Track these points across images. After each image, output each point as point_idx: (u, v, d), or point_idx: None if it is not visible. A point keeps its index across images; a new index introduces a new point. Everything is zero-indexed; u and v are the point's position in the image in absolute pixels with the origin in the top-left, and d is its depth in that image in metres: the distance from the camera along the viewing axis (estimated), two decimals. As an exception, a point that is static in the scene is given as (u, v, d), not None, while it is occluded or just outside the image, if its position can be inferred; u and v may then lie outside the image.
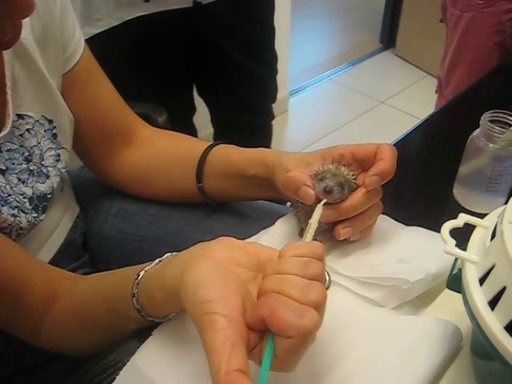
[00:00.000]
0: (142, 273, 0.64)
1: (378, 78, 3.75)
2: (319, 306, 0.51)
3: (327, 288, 0.74)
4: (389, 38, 4.00)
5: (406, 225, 0.84)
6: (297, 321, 0.49)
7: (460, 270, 0.58)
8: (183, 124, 1.72)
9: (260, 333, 0.52)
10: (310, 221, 0.67)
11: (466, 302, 0.55)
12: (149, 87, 1.50)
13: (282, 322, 0.49)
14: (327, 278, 0.74)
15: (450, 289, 0.62)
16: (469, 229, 0.61)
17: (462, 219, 0.61)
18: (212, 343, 0.47)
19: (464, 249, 0.58)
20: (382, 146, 0.75)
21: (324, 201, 0.71)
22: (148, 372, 0.64)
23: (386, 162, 0.72)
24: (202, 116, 1.91)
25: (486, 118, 0.84)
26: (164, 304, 0.62)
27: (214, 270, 0.54)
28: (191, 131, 1.86)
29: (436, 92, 1.97)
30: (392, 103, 3.41)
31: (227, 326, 0.48)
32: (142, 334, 0.68)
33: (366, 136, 2.78)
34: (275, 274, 0.54)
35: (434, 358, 0.62)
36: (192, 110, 1.85)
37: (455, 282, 0.59)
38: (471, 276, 0.54)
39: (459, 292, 0.58)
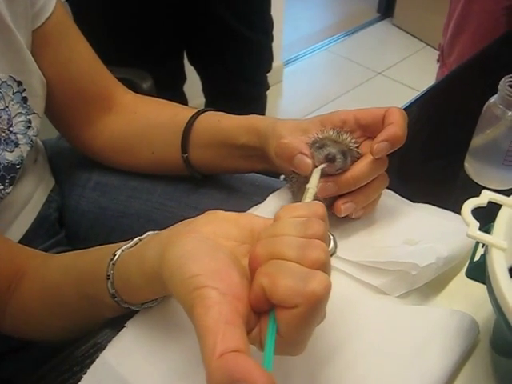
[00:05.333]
0: (118, 252, 0.58)
1: (375, 48, 3.72)
2: (323, 266, 0.44)
3: (332, 254, 0.65)
4: (386, 7, 3.97)
5: (413, 201, 0.77)
6: (302, 285, 0.42)
7: (483, 256, 0.50)
8: (172, 93, 1.65)
9: (257, 314, 0.45)
10: (308, 185, 0.60)
11: (491, 293, 0.47)
12: (133, 51, 1.45)
13: (284, 289, 0.42)
14: (332, 241, 0.66)
15: (470, 278, 0.55)
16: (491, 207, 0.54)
17: (486, 197, 0.53)
18: (204, 321, 0.40)
19: (487, 231, 0.50)
20: (391, 109, 0.67)
21: (323, 165, 0.64)
22: (120, 369, 0.56)
23: (397, 127, 0.65)
24: (194, 85, 1.86)
25: (505, 82, 0.76)
26: (142, 289, 0.56)
27: (200, 244, 0.48)
28: (181, 100, 1.79)
29: (438, 61, 1.89)
30: (389, 74, 3.38)
31: (220, 301, 0.41)
32: (115, 324, 0.61)
33: (363, 107, 2.76)
34: (269, 237, 0.47)
35: (449, 356, 0.55)
36: (182, 78, 1.80)
37: (477, 270, 0.52)
38: (499, 264, 0.47)
39: (482, 282, 0.50)
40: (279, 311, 0.43)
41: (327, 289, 0.42)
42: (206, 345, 0.39)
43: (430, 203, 0.76)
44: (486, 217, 0.54)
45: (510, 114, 0.76)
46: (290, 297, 0.42)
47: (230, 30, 1.61)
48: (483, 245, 0.51)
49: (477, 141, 0.84)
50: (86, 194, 0.98)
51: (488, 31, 1.56)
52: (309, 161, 0.65)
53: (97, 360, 0.57)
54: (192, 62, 1.78)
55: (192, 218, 0.54)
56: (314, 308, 0.42)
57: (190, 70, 1.80)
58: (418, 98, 1.07)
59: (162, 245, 0.50)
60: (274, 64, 1.95)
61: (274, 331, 0.42)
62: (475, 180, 0.84)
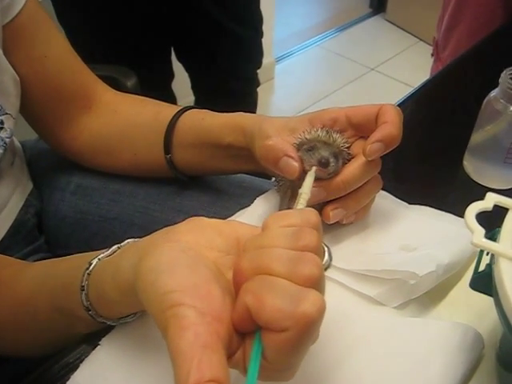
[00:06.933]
0: (94, 261, 0.54)
1: (367, 44, 3.71)
2: (316, 284, 0.40)
3: (327, 268, 0.62)
4: (379, 3, 3.96)
5: (409, 203, 0.73)
6: (293, 306, 0.38)
7: (489, 266, 0.46)
8: (160, 91, 1.63)
9: (241, 333, 0.41)
10: (300, 190, 0.55)
11: (499, 306, 0.43)
12: (118, 49, 1.41)
13: (272, 310, 0.38)
14: (326, 253, 0.63)
15: (474, 290, 0.50)
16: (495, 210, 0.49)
17: (491, 200, 0.49)
18: (178, 344, 0.36)
19: (492, 238, 0.46)
20: (385, 106, 0.63)
21: (315, 168, 0.59)
22: None
23: (391, 126, 0.60)
24: (183, 83, 1.82)
25: (506, 75, 0.72)
26: (118, 303, 0.52)
27: (178, 254, 0.44)
28: (170, 99, 1.78)
29: (432, 55, 1.85)
30: (382, 70, 3.37)
31: (198, 322, 0.37)
32: (90, 340, 0.57)
33: (356, 104, 2.79)
34: (256, 249, 0.43)
35: (451, 374, 0.50)
36: (170, 75, 1.76)
37: (482, 281, 0.47)
38: (507, 275, 0.43)
39: (488, 294, 0.46)
40: (266, 334, 0.38)
41: (321, 310, 0.38)
42: (179, 371, 0.35)
43: (427, 205, 0.72)
44: (489, 219, 0.49)
45: (511, 108, 0.72)
46: (278, 319, 0.37)
47: (218, 25, 1.58)
48: (488, 252, 0.47)
49: (476, 138, 0.80)
50: (66, 197, 0.94)
51: (484, 24, 1.52)
52: (295, 164, 0.61)
53: (67, 382, 0.53)
54: (180, 59, 1.74)
55: (177, 222, 0.50)
56: (305, 332, 0.38)
57: (178, 68, 1.77)
58: (412, 94, 1.03)
59: (138, 255, 0.46)
60: (266, 61, 1.92)
61: (258, 356, 0.38)
62: (475, 179, 0.80)
